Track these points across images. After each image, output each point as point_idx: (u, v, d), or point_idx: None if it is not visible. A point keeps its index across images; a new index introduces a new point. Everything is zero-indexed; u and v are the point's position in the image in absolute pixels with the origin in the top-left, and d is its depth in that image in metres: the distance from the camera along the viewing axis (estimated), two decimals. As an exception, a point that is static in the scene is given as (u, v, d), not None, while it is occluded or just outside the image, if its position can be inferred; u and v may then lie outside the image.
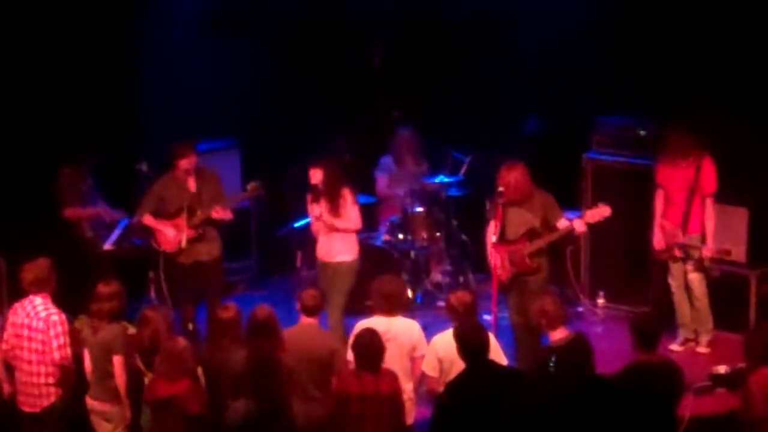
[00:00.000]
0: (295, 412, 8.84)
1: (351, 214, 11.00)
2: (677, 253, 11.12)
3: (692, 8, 11.98)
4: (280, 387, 8.47)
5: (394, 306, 9.34)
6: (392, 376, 8.76)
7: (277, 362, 8.64)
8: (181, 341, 8.85)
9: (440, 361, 9.05)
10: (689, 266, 11.12)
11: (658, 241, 11.16)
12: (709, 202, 11.00)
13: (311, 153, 11.58)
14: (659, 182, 11.20)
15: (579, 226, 10.40)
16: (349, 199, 10.99)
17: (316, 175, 10.94)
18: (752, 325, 11.06)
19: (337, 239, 11.00)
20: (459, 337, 8.44)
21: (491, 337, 8.75)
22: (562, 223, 10.44)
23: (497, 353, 9.01)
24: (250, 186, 11.22)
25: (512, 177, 10.40)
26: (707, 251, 10.95)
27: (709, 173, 10.93)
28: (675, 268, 11.24)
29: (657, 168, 11.23)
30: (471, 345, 8.36)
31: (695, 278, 11.12)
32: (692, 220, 11.01)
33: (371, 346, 8.68)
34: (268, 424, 8.31)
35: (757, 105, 11.43)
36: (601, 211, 10.44)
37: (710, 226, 11.00)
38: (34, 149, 12.00)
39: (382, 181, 13.02)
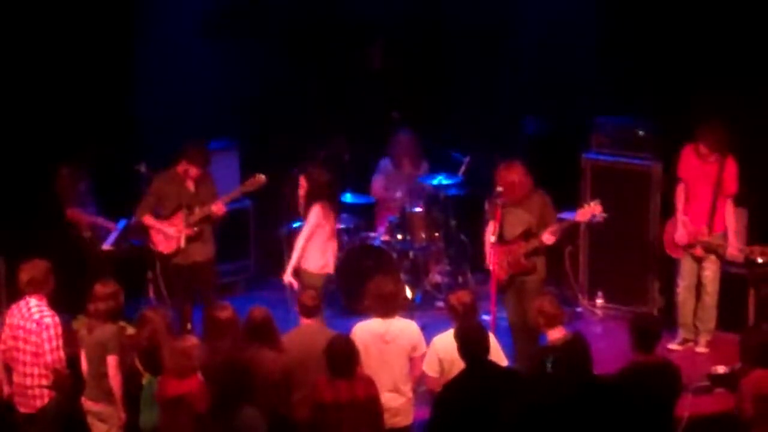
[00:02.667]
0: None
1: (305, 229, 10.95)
2: (698, 251, 11.10)
3: (691, 9, 11.98)
4: (235, 389, 8.19)
5: (391, 307, 9.30)
6: (367, 381, 8.70)
7: (242, 364, 8.40)
8: (190, 339, 8.83)
9: (441, 362, 9.03)
10: (706, 263, 11.10)
11: (681, 237, 11.13)
12: (729, 202, 10.99)
13: (310, 154, 11.62)
14: (681, 176, 11.15)
15: (547, 239, 10.35)
16: (313, 213, 10.92)
17: (303, 185, 11.02)
18: (748, 326, 11.06)
19: (309, 248, 10.98)
20: (459, 338, 8.44)
21: (491, 337, 8.76)
22: (545, 236, 10.40)
23: (497, 354, 8.99)
24: (253, 179, 11.21)
25: (510, 176, 10.40)
26: (733, 250, 10.95)
27: (731, 173, 10.92)
28: (686, 268, 11.22)
29: (679, 160, 11.15)
30: (471, 345, 8.36)
31: (709, 275, 11.12)
32: (717, 218, 11.00)
33: (344, 352, 8.61)
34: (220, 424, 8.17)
35: (756, 105, 11.43)
36: (592, 209, 10.42)
37: (732, 226, 10.99)
38: (34, 150, 12.00)
39: (377, 183, 13.03)
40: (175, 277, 11.23)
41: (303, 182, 11.04)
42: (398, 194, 12.70)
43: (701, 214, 11.03)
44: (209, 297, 11.05)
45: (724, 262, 11.17)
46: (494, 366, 8.50)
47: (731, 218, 11.02)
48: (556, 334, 8.99)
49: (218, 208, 11.08)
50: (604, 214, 10.46)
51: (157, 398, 8.70)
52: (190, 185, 11.14)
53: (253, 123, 13.32)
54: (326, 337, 8.88)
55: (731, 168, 10.93)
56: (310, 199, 10.95)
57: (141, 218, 11.20)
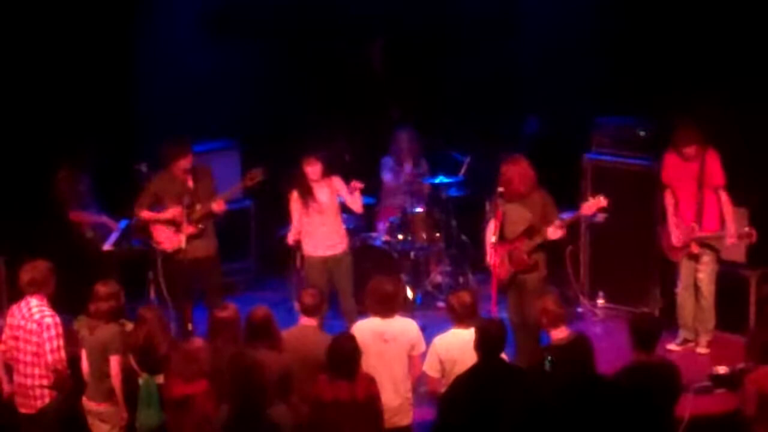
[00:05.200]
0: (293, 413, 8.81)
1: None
2: (694, 249, 11.09)
3: (690, 9, 11.98)
4: (258, 390, 8.18)
5: (390, 307, 9.30)
6: (369, 381, 8.66)
7: (257, 364, 8.37)
8: (197, 341, 8.84)
9: (442, 362, 9.03)
10: (700, 265, 11.11)
11: (676, 238, 11.12)
12: (723, 194, 10.96)
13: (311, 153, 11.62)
14: (665, 182, 11.18)
15: (552, 233, 10.37)
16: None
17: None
18: (752, 325, 11.06)
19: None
20: (480, 332, 8.45)
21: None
22: (550, 230, 10.40)
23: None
24: (252, 173, 11.22)
25: (515, 170, 10.40)
26: (731, 238, 10.93)
27: (713, 165, 10.91)
28: (684, 269, 11.22)
29: (662, 166, 11.20)
30: (490, 341, 8.38)
31: (704, 277, 11.12)
32: (706, 214, 10.99)
33: (346, 352, 8.58)
34: (246, 428, 8.14)
35: (756, 105, 11.43)
36: (597, 202, 10.43)
37: (729, 214, 10.95)
38: (34, 149, 12.01)
39: (387, 176, 13.03)
40: (177, 276, 11.19)
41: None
42: (401, 191, 12.71)
43: (690, 212, 11.04)
44: (214, 295, 11.04)
45: (719, 261, 11.16)
46: (505, 364, 8.53)
47: (727, 207, 10.98)
48: (559, 334, 8.98)
49: (219, 205, 11.09)
50: (606, 213, 10.48)
51: (163, 399, 8.71)
52: (189, 181, 11.13)
53: (253, 123, 13.32)
54: (323, 337, 8.87)
55: (713, 160, 10.92)
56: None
57: (139, 213, 11.18)
